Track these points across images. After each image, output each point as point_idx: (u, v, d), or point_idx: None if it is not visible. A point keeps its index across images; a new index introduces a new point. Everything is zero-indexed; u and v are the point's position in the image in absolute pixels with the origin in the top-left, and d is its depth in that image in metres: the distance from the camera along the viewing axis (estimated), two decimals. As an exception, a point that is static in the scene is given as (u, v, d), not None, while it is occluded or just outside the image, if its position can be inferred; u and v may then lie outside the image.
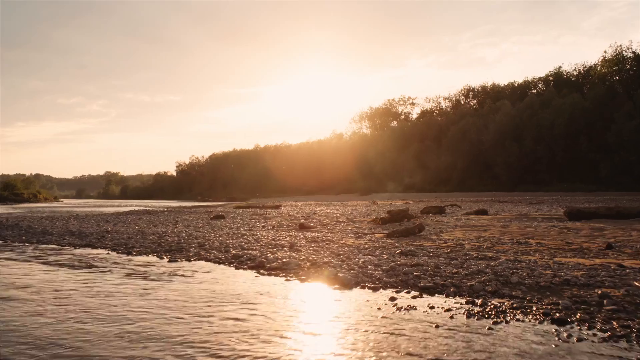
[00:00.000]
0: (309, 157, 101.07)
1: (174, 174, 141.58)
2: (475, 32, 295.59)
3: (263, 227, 11.82)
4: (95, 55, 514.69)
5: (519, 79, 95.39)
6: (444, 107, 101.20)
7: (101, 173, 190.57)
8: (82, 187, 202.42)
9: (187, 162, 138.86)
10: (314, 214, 15.02)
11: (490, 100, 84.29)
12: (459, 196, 58.15)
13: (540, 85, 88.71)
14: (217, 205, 42.01)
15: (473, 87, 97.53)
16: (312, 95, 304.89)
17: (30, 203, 73.35)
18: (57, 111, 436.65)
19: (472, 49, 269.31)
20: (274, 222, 13.11)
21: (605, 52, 76.13)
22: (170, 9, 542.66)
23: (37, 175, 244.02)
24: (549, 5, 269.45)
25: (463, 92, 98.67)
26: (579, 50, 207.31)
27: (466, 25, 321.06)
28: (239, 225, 12.43)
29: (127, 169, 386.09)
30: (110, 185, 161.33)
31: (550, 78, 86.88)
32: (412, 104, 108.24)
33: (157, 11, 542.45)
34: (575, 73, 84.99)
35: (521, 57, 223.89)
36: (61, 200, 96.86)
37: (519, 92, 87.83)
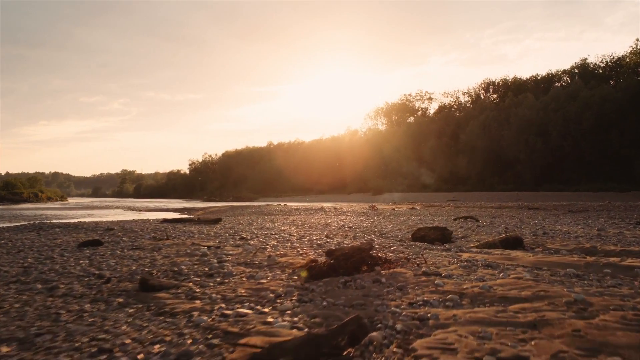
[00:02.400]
0: (322, 154, 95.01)
1: (188, 172, 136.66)
2: (497, 28, 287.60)
3: (87, 283, 5.98)
4: (117, 54, 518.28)
5: (542, 72, 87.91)
6: (462, 102, 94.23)
7: (119, 171, 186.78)
8: (99, 185, 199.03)
9: (200, 160, 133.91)
10: (244, 239, 9.16)
11: (512, 93, 77.34)
12: (478, 197, 51.70)
13: (564, 78, 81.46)
14: (204, 207, 36.54)
15: (493, 80, 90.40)
16: (331, 93, 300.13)
17: (29, 203, 68.95)
18: (79, 110, 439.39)
19: (494, 46, 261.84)
20: (131, 266, 7.20)
21: (637, 40, 69.10)
22: (190, 8, 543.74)
23: (56, 174, 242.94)
24: (571, 1, 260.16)
25: (483, 85, 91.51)
26: (603, 46, 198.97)
27: (488, 21, 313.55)
28: (66, 267, 6.69)
29: (146, 167, 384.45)
30: (124, 184, 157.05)
31: (576, 70, 79.62)
32: (430, 98, 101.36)
33: (177, 10, 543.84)
34: (602, 65, 77.65)
35: (544, 54, 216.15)
36: (67, 199, 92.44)
37: (542, 86, 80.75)
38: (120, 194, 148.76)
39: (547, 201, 43.57)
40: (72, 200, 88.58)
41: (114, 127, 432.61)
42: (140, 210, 35.77)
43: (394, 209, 22.29)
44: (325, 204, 35.65)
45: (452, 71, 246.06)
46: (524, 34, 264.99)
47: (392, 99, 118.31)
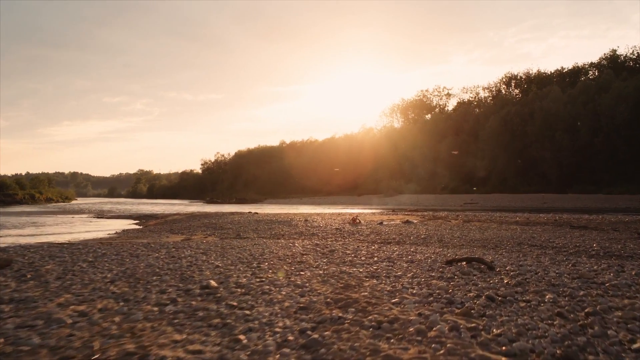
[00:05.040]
0: (335, 153, 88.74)
1: (200, 172, 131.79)
2: (521, 27, 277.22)
3: None
4: (140, 55, 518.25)
5: (568, 65, 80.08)
6: (482, 97, 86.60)
7: (137, 171, 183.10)
8: (116, 185, 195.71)
9: (212, 160, 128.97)
10: None
11: (536, 87, 69.96)
12: (499, 200, 45.24)
13: (592, 71, 73.65)
14: (166, 214, 30.78)
15: (515, 74, 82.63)
16: (352, 93, 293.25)
17: (22, 205, 64.11)
18: (102, 110, 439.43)
19: (517, 44, 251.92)
20: None
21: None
22: (212, 8, 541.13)
23: (75, 174, 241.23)
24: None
25: (504, 80, 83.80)
26: (630, 43, 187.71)
27: (512, 20, 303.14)
28: None
29: (166, 167, 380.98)
30: (138, 184, 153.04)
31: (604, 62, 71.85)
32: (448, 94, 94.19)
33: (200, 10, 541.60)
34: (633, 57, 69.96)
35: (568, 52, 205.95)
36: (73, 200, 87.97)
37: (567, 80, 73.12)
38: (134, 194, 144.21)
39: (577, 204, 37.40)
40: (79, 201, 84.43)
41: (137, 127, 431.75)
42: (103, 217, 30.53)
43: (381, 222, 16.34)
44: (306, 210, 30.26)
45: (475, 70, 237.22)
46: (548, 32, 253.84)
47: (409, 96, 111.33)
